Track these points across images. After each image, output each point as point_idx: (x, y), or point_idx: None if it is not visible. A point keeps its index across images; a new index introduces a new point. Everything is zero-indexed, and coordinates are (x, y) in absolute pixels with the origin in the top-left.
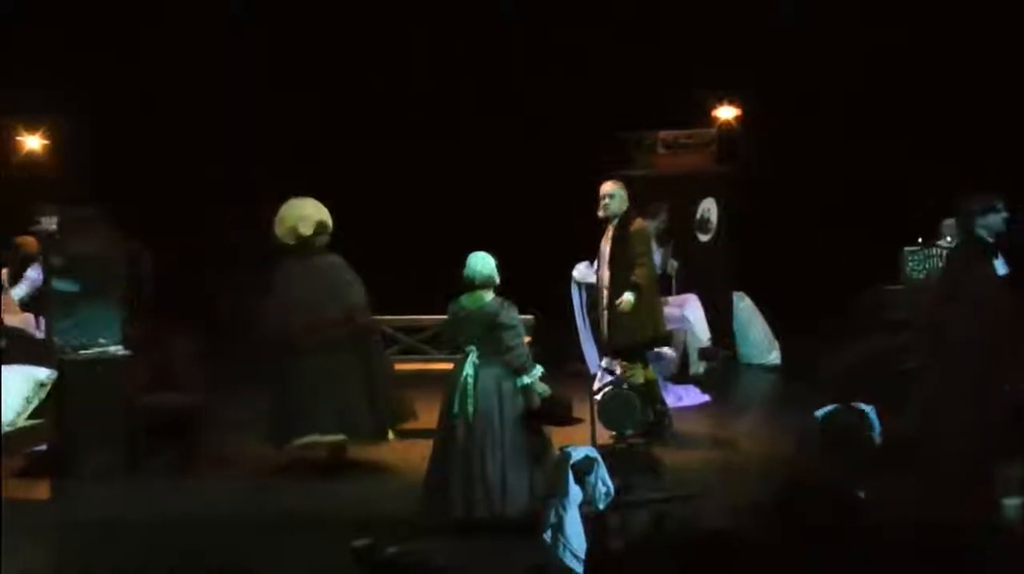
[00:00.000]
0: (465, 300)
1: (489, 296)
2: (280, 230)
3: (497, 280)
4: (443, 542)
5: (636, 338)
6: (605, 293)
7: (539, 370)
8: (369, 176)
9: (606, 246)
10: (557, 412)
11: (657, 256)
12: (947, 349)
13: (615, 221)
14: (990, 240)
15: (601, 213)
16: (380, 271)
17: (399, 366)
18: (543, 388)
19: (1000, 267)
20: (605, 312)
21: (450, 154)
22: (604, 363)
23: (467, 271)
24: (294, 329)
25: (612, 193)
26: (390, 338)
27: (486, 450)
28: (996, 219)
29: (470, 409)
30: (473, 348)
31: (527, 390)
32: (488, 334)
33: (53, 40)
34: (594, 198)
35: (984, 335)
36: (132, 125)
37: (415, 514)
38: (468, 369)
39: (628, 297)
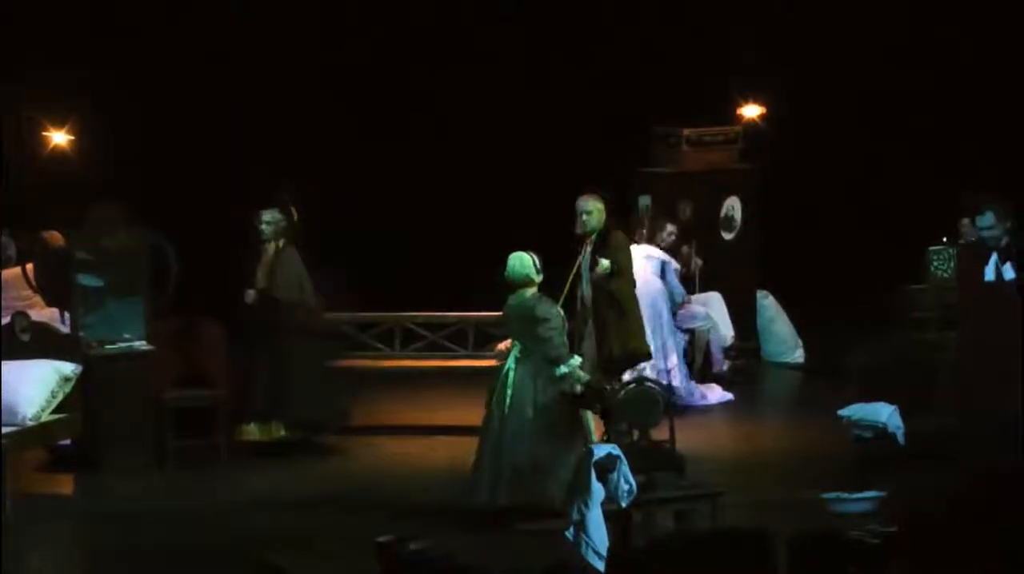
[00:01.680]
0: (510, 298)
1: (529, 293)
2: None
3: (536, 277)
4: (466, 538)
5: (624, 349)
6: (589, 310)
7: (577, 360)
8: (394, 173)
9: (584, 263)
10: (594, 399)
11: (662, 271)
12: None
13: (594, 236)
14: (989, 244)
15: (578, 229)
16: (403, 267)
17: (422, 363)
18: (580, 375)
19: (1008, 271)
20: (592, 330)
21: (475, 151)
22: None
23: (506, 272)
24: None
25: (589, 208)
26: (413, 335)
27: (516, 440)
28: (982, 225)
29: (507, 401)
30: (517, 343)
31: (564, 380)
32: (527, 329)
33: (78, 34)
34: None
35: (978, 336)
36: (156, 120)
37: (437, 507)
38: (510, 362)
39: (604, 262)
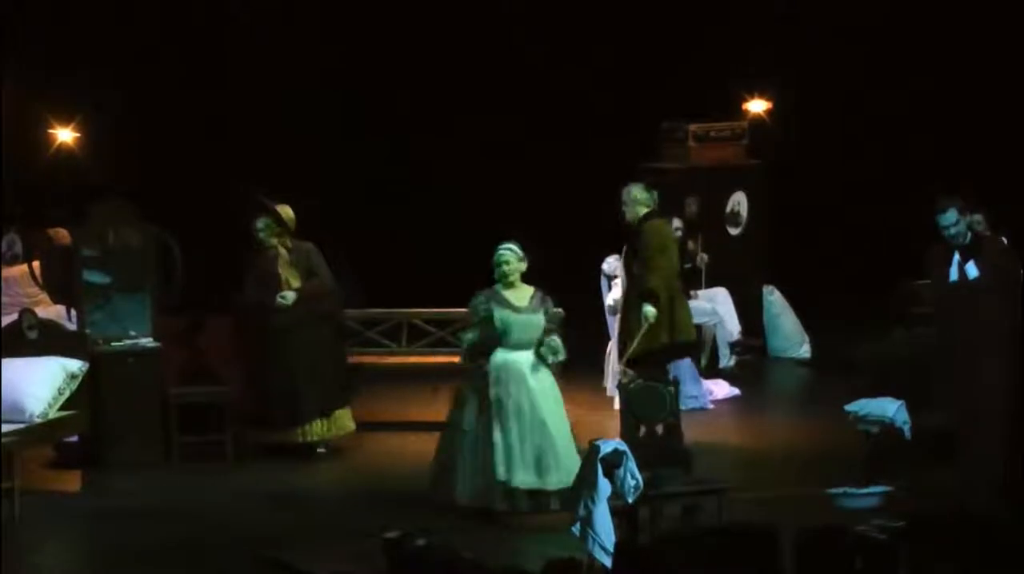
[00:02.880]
0: None
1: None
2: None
3: (497, 268)
4: (470, 534)
5: (651, 345)
6: (622, 300)
7: (469, 337)
8: (395, 172)
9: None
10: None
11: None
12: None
13: (636, 224)
14: (954, 242)
15: (622, 217)
16: (409, 263)
17: (429, 359)
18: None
19: (971, 270)
20: (619, 320)
21: (482, 146)
22: (618, 373)
23: None
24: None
25: (625, 198)
26: (420, 331)
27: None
28: (945, 223)
29: None
30: None
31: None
32: None
33: (84, 31)
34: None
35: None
36: (159, 118)
37: (446, 503)
38: None
39: (648, 309)
